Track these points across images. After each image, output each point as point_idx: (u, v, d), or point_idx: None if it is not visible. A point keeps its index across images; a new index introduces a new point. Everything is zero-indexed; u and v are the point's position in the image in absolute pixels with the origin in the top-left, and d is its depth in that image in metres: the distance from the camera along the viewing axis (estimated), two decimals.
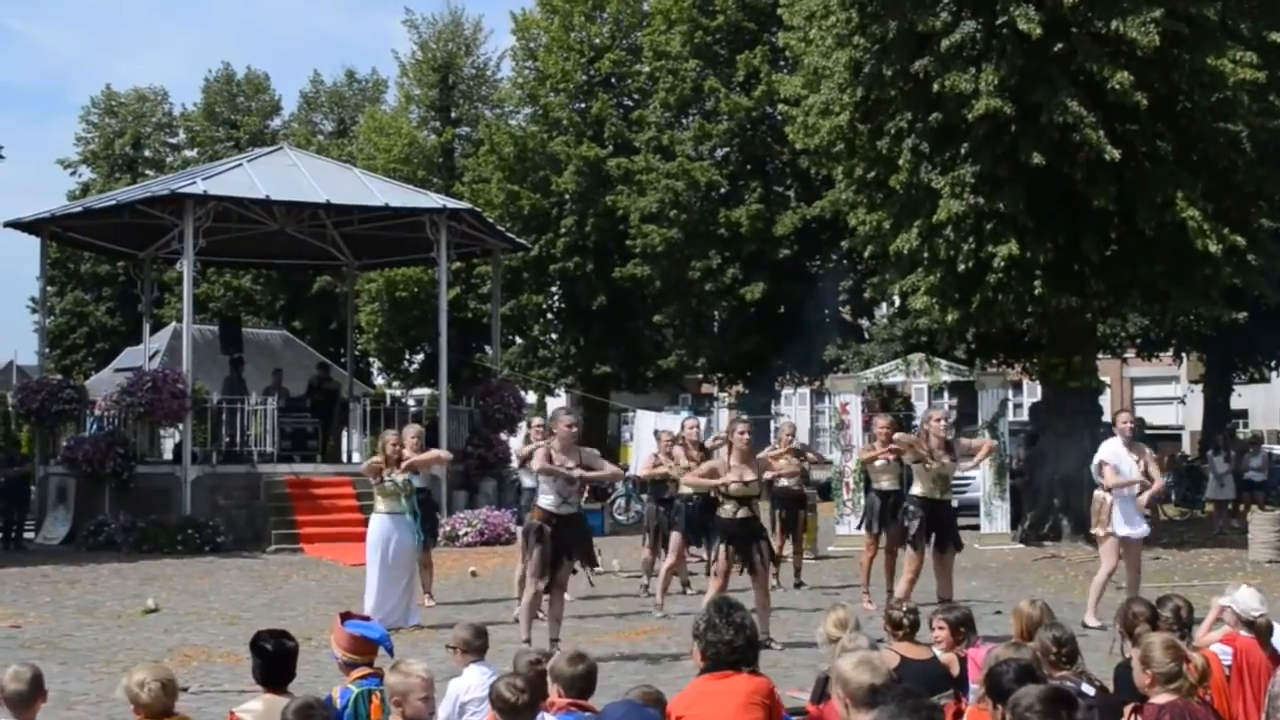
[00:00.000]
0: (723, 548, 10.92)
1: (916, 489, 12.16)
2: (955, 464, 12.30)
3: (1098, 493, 12.18)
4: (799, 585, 15.02)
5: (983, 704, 5.27)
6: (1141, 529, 12.17)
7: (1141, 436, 14.75)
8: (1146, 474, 12.10)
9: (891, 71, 18.81)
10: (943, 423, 12.21)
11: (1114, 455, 12.01)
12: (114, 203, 22.92)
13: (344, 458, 24.66)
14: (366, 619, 6.27)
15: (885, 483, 13.33)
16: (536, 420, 14.21)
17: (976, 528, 19.54)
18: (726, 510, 10.99)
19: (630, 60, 36.96)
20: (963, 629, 6.82)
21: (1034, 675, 5.12)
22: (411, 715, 5.37)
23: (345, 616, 6.08)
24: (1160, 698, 5.30)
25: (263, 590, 15.40)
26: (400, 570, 12.12)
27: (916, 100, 18.92)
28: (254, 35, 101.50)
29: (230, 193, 20.93)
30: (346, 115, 49.15)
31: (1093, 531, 12.32)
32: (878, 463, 13.27)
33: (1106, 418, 23.35)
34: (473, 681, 6.33)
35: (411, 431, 12.84)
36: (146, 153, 51.68)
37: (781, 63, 32.01)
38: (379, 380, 44.14)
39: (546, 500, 10.44)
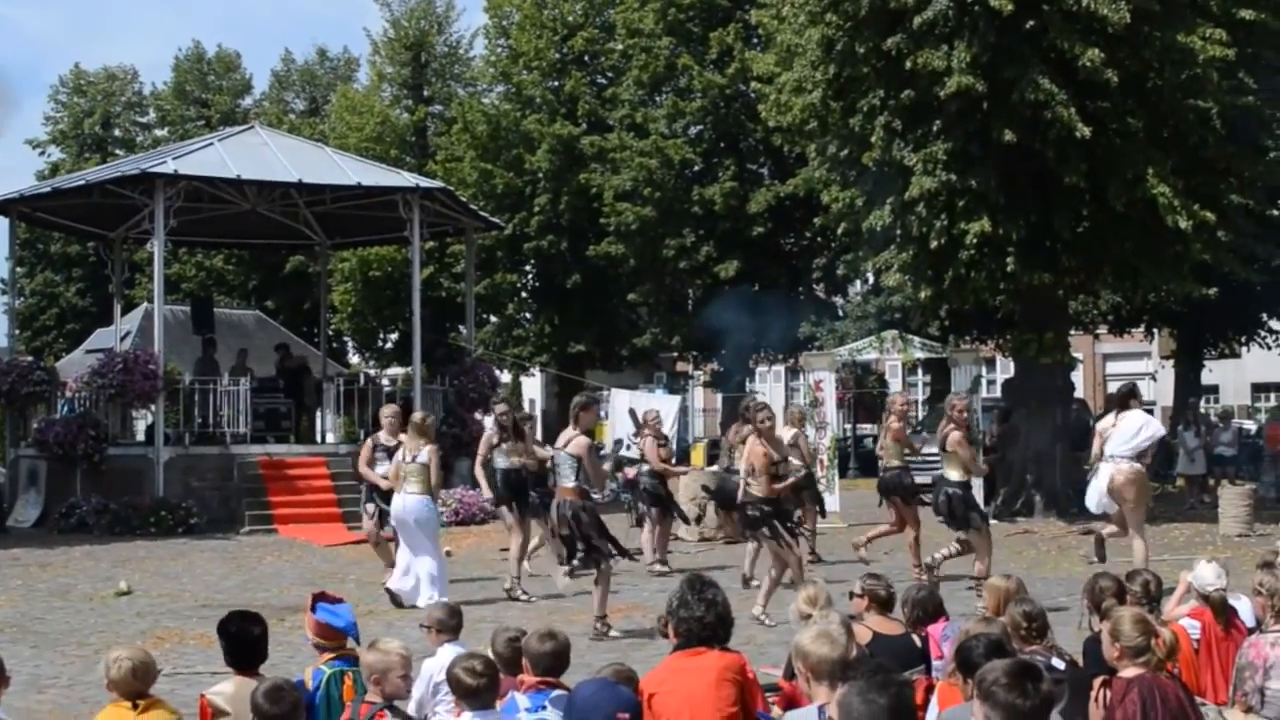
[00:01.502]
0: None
1: (953, 474, 12.20)
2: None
3: (1136, 465, 12.26)
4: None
5: (953, 678, 5.32)
6: None
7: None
8: None
9: (864, 49, 18.79)
10: (966, 413, 12.45)
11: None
12: (83, 183, 22.71)
13: (318, 438, 24.59)
14: (339, 601, 6.16)
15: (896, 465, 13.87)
16: (500, 408, 13.78)
17: None
18: (755, 489, 11.11)
19: (603, 38, 36.75)
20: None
21: (1004, 650, 5.16)
22: (390, 693, 5.39)
23: (317, 599, 6.05)
24: (1129, 671, 5.35)
25: (236, 572, 15.36)
26: (434, 547, 12.36)
27: (889, 78, 18.91)
28: (224, 13, 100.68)
29: (201, 172, 20.77)
30: (318, 94, 48.73)
31: (1127, 507, 12.26)
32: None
33: (1079, 393, 23.52)
34: (447, 661, 6.33)
35: (388, 410, 13.02)
36: (116, 132, 51.11)
37: (755, 40, 31.95)
38: (354, 360, 43.98)
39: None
